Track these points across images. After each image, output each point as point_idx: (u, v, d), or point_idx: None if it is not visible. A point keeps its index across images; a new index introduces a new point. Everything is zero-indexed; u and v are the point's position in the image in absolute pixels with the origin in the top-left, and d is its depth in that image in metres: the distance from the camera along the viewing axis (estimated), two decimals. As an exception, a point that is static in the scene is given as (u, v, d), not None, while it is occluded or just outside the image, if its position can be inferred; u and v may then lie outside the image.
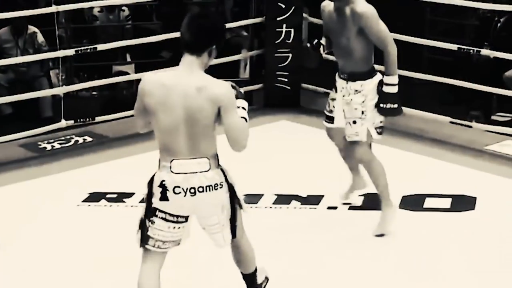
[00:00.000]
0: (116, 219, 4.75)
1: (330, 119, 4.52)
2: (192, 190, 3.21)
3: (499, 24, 7.22)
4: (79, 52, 6.29)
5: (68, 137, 6.15)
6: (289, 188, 5.07)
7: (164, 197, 3.24)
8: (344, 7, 4.23)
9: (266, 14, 6.88)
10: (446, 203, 4.88)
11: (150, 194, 3.29)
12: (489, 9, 6.93)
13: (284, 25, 6.75)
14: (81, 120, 6.21)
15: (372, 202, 4.84)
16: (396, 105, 4.28)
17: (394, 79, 4.24)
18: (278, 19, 6.74)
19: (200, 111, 3.16)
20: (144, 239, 3.32)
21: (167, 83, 3.19)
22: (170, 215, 3.27)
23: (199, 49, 3.19)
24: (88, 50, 6.33)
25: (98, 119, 6.28)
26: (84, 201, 5.00)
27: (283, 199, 4.95)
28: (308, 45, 4.47)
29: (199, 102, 3.15)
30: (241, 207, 3.38)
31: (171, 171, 3.22)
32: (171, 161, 3.22)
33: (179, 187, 3.22)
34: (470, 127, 6.11)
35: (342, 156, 4.65)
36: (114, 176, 5.40)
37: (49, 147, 5.98)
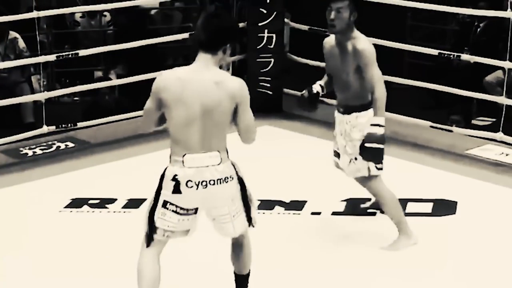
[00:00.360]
0: (99, 225, 4.74)
1: (337, 155, 4.48)
2: (204, 183, 3.31)
3: (478, 29, 7.27)
4: (61, 57, 6.28)
5: (50, 143, 6.13)
6: (272, 194, 5.08)
7: (176, 190, 3.32)
8: (345, 42, 4.24)
9: (247, 19, 6.89)
10: (428, 207, 4.91)
11: (159, 187, 3.37)
12: (469, 14, 6.99)
13: (266, 30, 6.77)
14: (63, 126, 6.19)
15: (354, 207, 4.87)
16: (381, 146, 4.21)
17: (381, 121, 4.19)
18: (259, 24, 6.76)
19: (218, 106, 3.26)
20: (153, 230, 3.39)
21: (183, 78, 3.28)
22: (181, 208, 3.35)
23: (214, 47, 3.30)
24: (70, 56, 6.32)
25: (80, 124, 6.27)
26: (66, 207, 4.99)
27: (266, 205, 4.96)
28: (306, 93, 4.43)
29: (217, 97, 3.26)
30: (251, 201, 3.50)
31: (184, 166, 3.30)
32: (183, 156, 3.30)
33: (191, 181, 3.31)
34: (451, 131, 6.15)
35: None
36: (97, 182, 5.39)
37: (30, 153, 5.96)
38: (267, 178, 5.35)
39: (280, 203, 4.97)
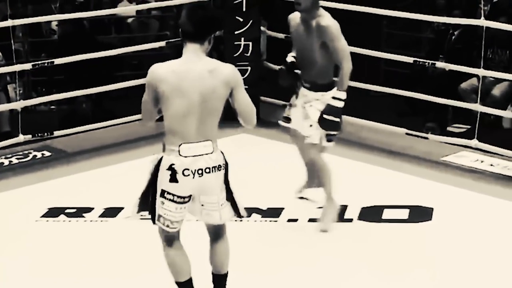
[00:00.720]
0: (76, 234, 4.72)
1: (287, 120, 4.69)
2: (200, 172, 3.41)
3: (453, 37, 7.35)
4: (37, 66, 6.26)
5: (26, 152, 6.09)
6: (249, 201, 5.06)
7: (173, 179, 3.40)
8: (310, 20, 4.38)
9: (224, 27, 6.90)
10: (404, 214, 4.95)
11: (154, 177, 3.44)
12: (444, 22, 7.06)
13: (243, 39, 6.78)
14: (39, 134, 6.15)
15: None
16: (338, 119, 4.45)
17: (343, 95, 4.43)
18: (236, 32, 6.77)
19: (213, 92, 3.38)
20: (156, 217, 3.47)
21: (178, 69, 3.38)
22: (178, 197, 3.43)
23: (201, 37, 3.41)
24: (46, 64, 6.29)
25: (56, 133, 6.24)
26: (43, 216, 4.96)
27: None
28: (282, 66, 4.61)
29: (212, 84, 3.37)
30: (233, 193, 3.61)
31: (180, 155, 3.38)
32: (179, 145, 3.38)
33: (188, 169, 3.40)
34: (426, 138, 6.20)
35: (300, 153, 4.80)
36: (73, 191, 5.36)
37: (6, 162, 5.92)
38: (244, 186, 5.34)
39: (257, 210, 4.98)
